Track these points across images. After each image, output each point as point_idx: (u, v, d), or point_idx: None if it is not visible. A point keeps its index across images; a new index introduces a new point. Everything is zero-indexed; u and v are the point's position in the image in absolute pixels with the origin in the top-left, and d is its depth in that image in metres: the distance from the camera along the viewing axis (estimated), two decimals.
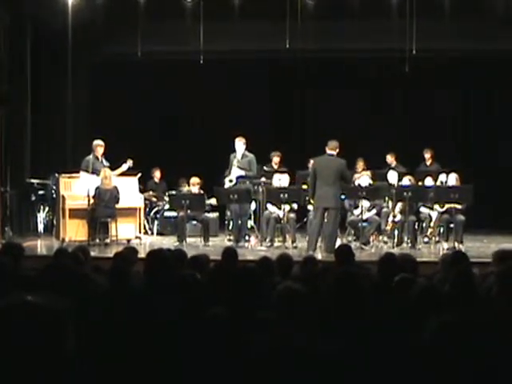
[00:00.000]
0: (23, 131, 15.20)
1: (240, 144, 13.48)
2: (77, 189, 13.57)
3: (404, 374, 3.16)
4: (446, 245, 12.86)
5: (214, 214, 15.10)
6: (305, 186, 13.58)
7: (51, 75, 15.87)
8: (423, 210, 13.62)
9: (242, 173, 13.38)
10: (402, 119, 17.49)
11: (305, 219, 13.97)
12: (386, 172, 14.47)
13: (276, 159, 14.67)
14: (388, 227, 13.46)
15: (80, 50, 15.48)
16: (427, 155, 15.17)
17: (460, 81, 17.49)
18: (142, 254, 8.10)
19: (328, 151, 12.42)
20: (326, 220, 12.21)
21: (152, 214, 15.61)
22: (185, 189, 15.20)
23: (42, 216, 15.03)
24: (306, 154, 14.65)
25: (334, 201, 12.20)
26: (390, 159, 15.35)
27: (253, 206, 14.44)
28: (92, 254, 9.04)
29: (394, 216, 13.26)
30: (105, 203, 13.12)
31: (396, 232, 13.09)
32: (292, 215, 13.31)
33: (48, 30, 14.97)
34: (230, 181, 13.41)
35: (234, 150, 13.52)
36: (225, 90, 17.40)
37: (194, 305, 4.26)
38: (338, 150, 12.40)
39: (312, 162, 12.90)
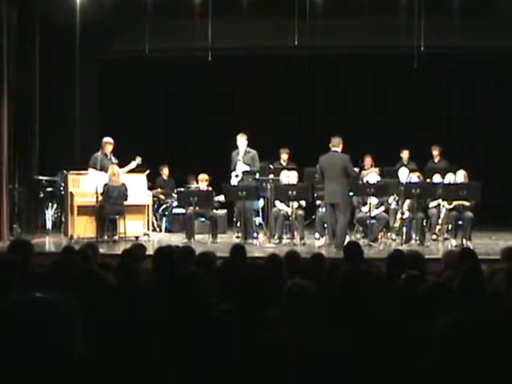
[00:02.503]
0: (32, 128, 15.22)
1: (242, 140, 13.46)
2: (85, 186, 13.59)
3: (412, 372, 3.16)
4: (454, 242, 12.84)
5: (223, 211, 15.10)
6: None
7: (59, 73, 15.87)
8: (432, 204, 13.59)
9: (247, 168, 13.38)
10: (411, 116, 17.45)
11: (313, 216, 13.97)
12: (397, 169, 14.48)
13: (284, 156, 14.71)
14: (396, 224, 13.45)
15: (88, 47, 15.50)
16: (435, 152, 15.14)
17: (468, 78, 17.44)
18: (150, 251, 8.10)
19: (332, 148, 12.53)
20: (337, 218, 12.28)
21: (160, 211, 15.62)
22: (193, 186, 15.22)
23: (50, 213, 15.07)
24: (314, 151, 14.66)
25: (341, 196, 12.29)
26: (406, 155, 15.31)
27: (261, 203, 14.45)
28: (100, 250, 9.04)
29: (403, 213, 13.24)
30: (113, 200, 13.14)
31: (404, 229, 13.06)
32: (300, 212, 13.30)
33: (56, 28, 14.97)
34: (236, 176, 13.40)
35: (237, 147, 13.53)
36: (232, 87, 17.40)
37: (202, 302, 4.26)
38: (341, 146, 12.50)
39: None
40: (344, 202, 12.34)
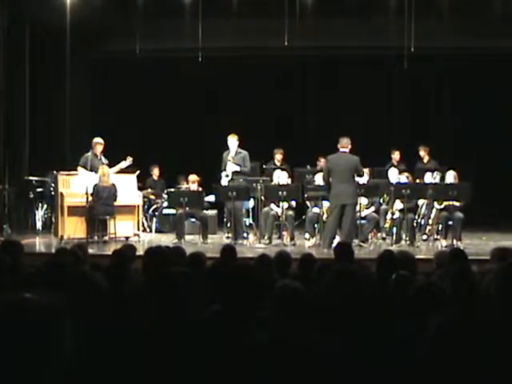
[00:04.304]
0: (22, 129, 15.20)
1: (233, 141, 13.48)
2: (75, 186, 13.56)
3: (403, 373, 3.16)
4: (444, 242, 12.86)
5: (213, 212, 15.10)
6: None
7: (50, 73, 15.86)
8: (420, 201, 13.61)
9: (238, 168, 13.38)
10: (400, 117, 17.48)
11: (303, 216, 13.97)
12: (387, 169, 14.48)
13: (278, 156, 14.73)
14: (386, 224, 13.47)
15: (78, 48, 15.48)
16: (423, 153, 15.15)
17: (459, 78, 17.46)
18: (140, 252, 8.10)
19: (341, 149, 12.55)
20: (344, 215, 12.27)
21: (150, 211, 15.60)
22: (183, 186, 15.20)
23: (40, 213, 15.03)
24: (305, 152, 14.70)
25: (352, 197, 12.35)
26: (397, 156, 15.32)
27: (251, 203, 14.45)
28: (90, 251, 9.03)
29: (393, 213, 13.26)
30: (103, 201, 13.11)
31: (394, 229, 13.08)
32: (290, 212, 13.31)
33: (46, 29, 14.95)
34: (227, 176, 13.40)
35: (228, 148, 13.53)
36: (223, 87, 17.39)
37: (193, 303, 4.26)
38: (350, 147, 12.52)
39: (323, 160, 12.97)
40: (353, 201, 12.39)
